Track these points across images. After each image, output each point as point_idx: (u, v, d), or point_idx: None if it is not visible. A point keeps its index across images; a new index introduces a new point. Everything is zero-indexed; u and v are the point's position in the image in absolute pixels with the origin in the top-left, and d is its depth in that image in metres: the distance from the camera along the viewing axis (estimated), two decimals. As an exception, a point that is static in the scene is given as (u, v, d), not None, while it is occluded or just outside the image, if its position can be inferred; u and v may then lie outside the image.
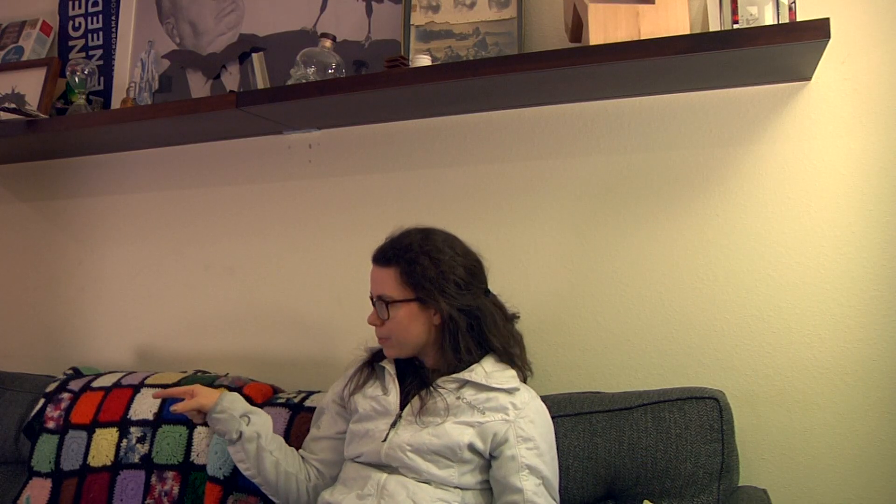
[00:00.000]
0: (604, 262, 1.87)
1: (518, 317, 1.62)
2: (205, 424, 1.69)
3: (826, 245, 1.71)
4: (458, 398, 1.49)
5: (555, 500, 1.48)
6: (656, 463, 1.53)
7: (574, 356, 1.88)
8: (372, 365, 1.62)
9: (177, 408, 1.62)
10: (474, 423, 1.46)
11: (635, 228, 1.85)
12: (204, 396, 1.62)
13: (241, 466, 1.62)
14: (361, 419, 1.56)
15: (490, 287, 1.59)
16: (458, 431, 1.45)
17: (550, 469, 1.48)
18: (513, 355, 1.55)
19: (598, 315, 1.87)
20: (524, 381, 1.57)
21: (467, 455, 1.46)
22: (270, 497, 1.65)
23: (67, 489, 1.87)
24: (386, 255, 1.54)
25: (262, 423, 1.63)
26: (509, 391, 1.49)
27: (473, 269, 1.55)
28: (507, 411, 1.47)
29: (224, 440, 1.64)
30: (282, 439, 1.66)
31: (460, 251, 1.55)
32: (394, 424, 1.51)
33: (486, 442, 1.46)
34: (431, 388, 1.50)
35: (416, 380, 1.55)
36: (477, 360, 1.52)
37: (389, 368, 1.58)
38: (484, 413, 1.47)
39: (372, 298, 1.57)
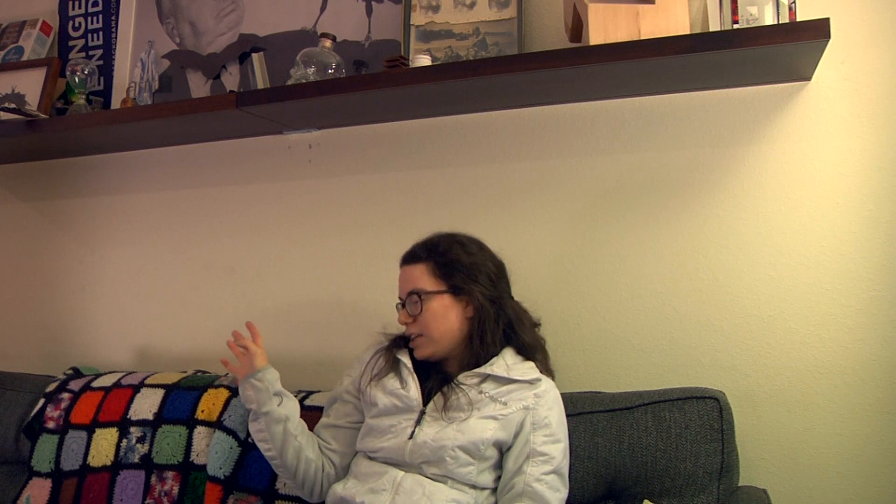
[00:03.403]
0: (604, 262, 1.87)
1: (539, 324, 1.64)
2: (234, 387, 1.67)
3: (826, 245, 1.71)
4: (480, 392, 1.50)
5: (565, 487, 1.48)
6: (656, 462, 1.53)
7: (574, 356, 1.88)
8: (390, 352, 1.61)
9: (230, 344, 1.65)
10: (498, 416, 1.47)
11: (635, 228, 1.85)
12: (255, 356, 1.63)
13: (262, 446, 1.62)
14: (381, 414, 1.55)
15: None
16: (481, 427, 1.47)
17: (564, 458, 1.49)
18: (536, 359, 1.57)
19: (598, 315, 1.87)
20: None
21: (489, 452, 1.47)
22: (287, 480, 1.64)
23: (67, 489, 1.87)
24: (416, 254, 1.58)
25: (292, 408, 1.63)
26: (531, 382, 1.51)
27: (501, 269, 1.61)
28: (527, 400, 1.49)
29: (247, 412, 1.65)
30: (305, 424, 1.64)
31: (486, 250, 1.61)
32: (418, 421, 1.51)
33: (509, 433, 1.48)
34: (454, 384, 1.51)
35: (436, 376, 1.56)
36: (497, 353, 1.54)
37: (405, 361, 1.58)
38: (506, 405, 1.48)
39: (400, 301, 1.58)
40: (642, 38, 1.61)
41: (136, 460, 1.84)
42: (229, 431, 1.79)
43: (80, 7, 2.43)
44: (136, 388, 1.94)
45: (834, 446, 1.69)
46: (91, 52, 2.40)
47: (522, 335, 1.56)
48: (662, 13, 1.63)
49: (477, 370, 1.52)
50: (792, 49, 1.53)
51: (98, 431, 1.90)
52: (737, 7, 1.60)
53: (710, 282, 1.79)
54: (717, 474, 1.52)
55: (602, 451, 1.57)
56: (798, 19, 1.56)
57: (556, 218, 1.92)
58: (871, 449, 1.68)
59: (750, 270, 1.76)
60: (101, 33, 2.40)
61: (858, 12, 1.70)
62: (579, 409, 1.63)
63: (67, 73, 2.28)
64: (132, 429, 1.87)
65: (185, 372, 2.06)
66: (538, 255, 1.92)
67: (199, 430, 1.83)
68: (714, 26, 1.66)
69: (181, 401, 1.88)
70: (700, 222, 1.81)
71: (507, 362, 1.52)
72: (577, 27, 1.74)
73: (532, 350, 1.56)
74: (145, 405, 1.90)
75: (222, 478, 1.75)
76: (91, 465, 1.87)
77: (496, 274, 1.58)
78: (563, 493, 1.47)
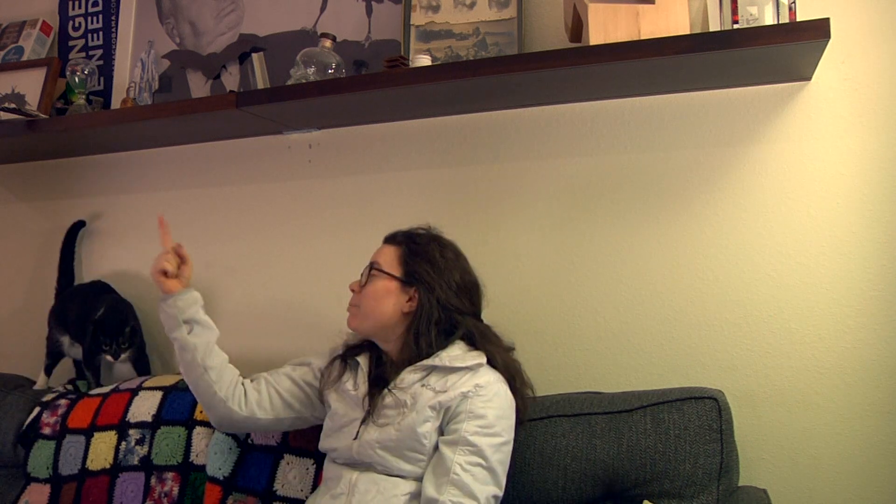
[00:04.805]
0: (603, 262, 1.87)
1: (513, 348, 1.62)
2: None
3: (826, 245, 1.71)
4: (424, 385, 1.50)
5: (496, 485, 1.44)
6: (655, 464, 1.53)
7: (574, 356, 1.88)
8: (345, 359, 1.64)
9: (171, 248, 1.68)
10: (435, 405, 1.47)
11: (635, 228, 1.85)
12: (180, 278, 1.66)
13: (182, 374, 1.66)
14: (334, 415, 1.59)
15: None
16: (421, 420, 1.46)
17: (496, 452, 1.45)
18: (514, 379, 1.54)
19: (598, 315, 1.87)
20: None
21: (432, 441, 1.47)
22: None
23: (67, 494, 1.87)
24: (396, 236, 1.63)
25: (204, 339, 1.63)
26: (472, 368, 1.49)
27: (469, 285, 1.59)
28: (466, 386, 1.47)
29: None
30: (224, 358, 1.66)
31: (464, 264, 1.60)
32: (364, 421, 1.53)
33: (439, 417, 1.47)
34: (389, 388, 1.52)
35: (381, 376, 1.57)
36: (442, 348, 1.52)
37: (363, 364, 1.60)
38: (445, 392, 1.47)
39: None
40: (642, 38, 1.61)
41: (136, 462, 1.84)
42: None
43: (80, 7, 2.43)
44: (135, 392, 1.94)
45: (834, 446, 1.69)
46: (91, 52, 2.40)
47: (495, 355, 1.53)
48: (662, 13, 1.63)
49: (422, 363, 1.51)
50: (792, 49, 1.53)
51: (97, 435, 1.89)
52: (737, 7, 1.60)
53: (709, 282, 1.79)
54: (717, 474, 1.51)
55: (600, 454, 1.56)
56: (798, 19, 1.55)
57: (555, 217, 1.92)
58: (871, 449, 1.68)
59: (750, 270, 1.76)
60: (101, 33, 2.40)
61: (858, 12, 1.70)
62: (577, 410, 1.62)
63: (67, 73, 2.28)
64: (131, 431, 1.87)
65: (185, 373, 2.07)
66: (538, 254, 1.92)
67: (199, 431, 1.83)
68: (714, 26, 1.65)
69: (180, 402, 1.88)
70: (700, 222, 1.80)
71: (450, 353, 1.51)
72: (577, 27, 1.74)
73: (505, 369, 1.53)
74: (143, 407, 1.89)
75: (221, 478, 1.75)
76: (90, 468, 1.87)
77: (459, 286, 1.56)
78: (493, 489, 1.43)
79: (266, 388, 1.67)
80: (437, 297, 1.53)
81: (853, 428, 1.69)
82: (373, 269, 1.58)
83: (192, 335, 1.62)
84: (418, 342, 1.53)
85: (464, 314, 1.55)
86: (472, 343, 1.54)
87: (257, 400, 1.65)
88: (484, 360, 1.52)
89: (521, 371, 1.58)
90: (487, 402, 1.46)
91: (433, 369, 1.51)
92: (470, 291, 1.58)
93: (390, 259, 1.58)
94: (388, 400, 1.51)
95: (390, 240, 1.63)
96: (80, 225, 2.35)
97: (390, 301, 1.55)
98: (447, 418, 1.46)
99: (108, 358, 2.03)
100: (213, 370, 1.62)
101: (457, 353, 1.52)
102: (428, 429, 1.46)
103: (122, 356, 2.05)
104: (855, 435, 1.68)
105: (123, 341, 2.04)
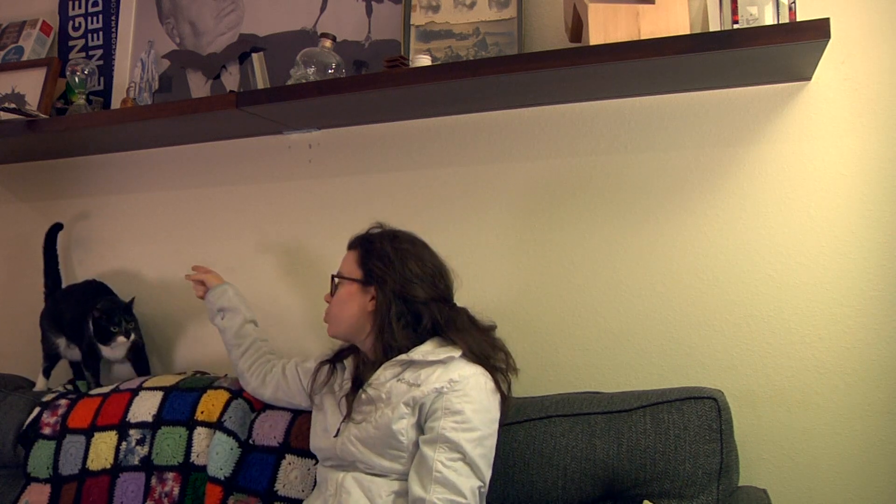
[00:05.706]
0: (604, 262, 1.87)
1: (495, 326, 1.62)
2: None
3: (826, 245, 1.71)
4: (399, 380, 1.51)
5: (479, 479, 1.44)
6: (655, 464, 1.53)
7: (574, 355, 1.89)
8: (333, 364, 1.69)
9: (189, 276, 1.94)
10: (409, 401, 1.47)
11: (635, 228, 1.85)
12: (212, 277, 1.93)
13: None
14: (322, 416, 1.63)
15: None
16: (396, 416, 1.47)
17: (477, 447, 1.44)
18: (488, 358, 1.53)
19: (598, 315, 1.87)
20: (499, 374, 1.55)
21: (408, 437, 1.47)
22: None
23: (67, 494, 1.87)
24: (353, 241, 1.66)
25: (233, 322, 1.88)
26: (444, 362, 1.49)
27: (430, 272, 1.58)
28: (441, 382, 1.47)
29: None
30: (253, 338, 1.88)
31: (421, 252, 1.60)
32: (344, 420, 1.56)
33: (414, 413, 1.47)
34: (366, 385, 1.54)
35: (359, 376, 1.59)
36: (417, 344, 1.54)
37: (349, 366, 1.65)
38: (419, 386, 1.48)
39: None
40: (642, 38, 1.61)
41: (136, 462, 1.84)
42: (229, 432, 1.79)
43: (80, 7, 2.43)
44: (135, 392, 1.94)
45: (834, 446, 1.69)
46: (91, 52, 2.40)
47: (458, 340, 1.52)
48: (662, 13, 1.63)
49: (398, 358, 1.53)
50: (792, 49, 1.53)
51: (97, 435, 1.89)
52: (737, 7, 1.60)
53: (709, 282, 1.79)
54: (717, 474, 1.51)
55: (600, 454, 1.56)
56: (798, 19, 1.55)
57: (554, 217, 1.92)
58: (871, 449, 1.68)
59: (750, 270, 1.76)
60: (101, 33, 2.40)
61: (858, 12, 1.70)
62: (577, 409, 1.62)
63: (67, 73, 2.28)
64: (131, 431, 1.87)
65: (184, 373, 2.06)
66: (536, 254, 1.92)
67: (199, 431, 1.83)
68: (714, 26, 1.65)
69: (180, 402, 1.88)
70: (700, 222, 1.81)
71: (423, 349, 1.52)
72: (577, 27, 1.74)
73: (474, 353, 1.51)
74: (144, 407, 1.89)
75: (222, 478, 1.75)
76: (90, 468, 1.87)
77: (417, 275, 1.55)
78: (476, 482, 1.44)
79: (275, 372, 1.80)
80: (393, 290, 1.54)
81: (853, 428, 1.69)
82: (335, 277, 1.63)
83: (224, 320, 1.88)
84: (384, 336, 1.54)
85: (427, 302, 1.55)
86: (445, 337, 1.54)
87: (263, 379, 1.81)
88: (457, 353, 1.51)
89: (502, 348, 1.57)
90: (463, 396, 1.46)
91: (409, 364, 1.52)
92: (432, 277, 1.57)
93: (350, 264, 1.62)
94: (364, 397, 1.54)
95: (350, 246, 1.66)
96: (57, 227, 2.34)
97: (354, 303, 1.58)
98: (424, 416, 1.47)
99: (121, 339, 2.05)
100: (239, 347, 1.86)
101: (429, 349, 1.53)
102: (404, 426, 1.47)
103: (132, 336, 2.08)
104: (855, 435, 1.69)
105: (130, 320, 2.08)
